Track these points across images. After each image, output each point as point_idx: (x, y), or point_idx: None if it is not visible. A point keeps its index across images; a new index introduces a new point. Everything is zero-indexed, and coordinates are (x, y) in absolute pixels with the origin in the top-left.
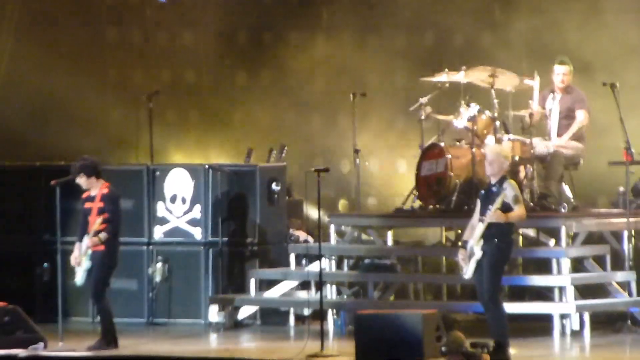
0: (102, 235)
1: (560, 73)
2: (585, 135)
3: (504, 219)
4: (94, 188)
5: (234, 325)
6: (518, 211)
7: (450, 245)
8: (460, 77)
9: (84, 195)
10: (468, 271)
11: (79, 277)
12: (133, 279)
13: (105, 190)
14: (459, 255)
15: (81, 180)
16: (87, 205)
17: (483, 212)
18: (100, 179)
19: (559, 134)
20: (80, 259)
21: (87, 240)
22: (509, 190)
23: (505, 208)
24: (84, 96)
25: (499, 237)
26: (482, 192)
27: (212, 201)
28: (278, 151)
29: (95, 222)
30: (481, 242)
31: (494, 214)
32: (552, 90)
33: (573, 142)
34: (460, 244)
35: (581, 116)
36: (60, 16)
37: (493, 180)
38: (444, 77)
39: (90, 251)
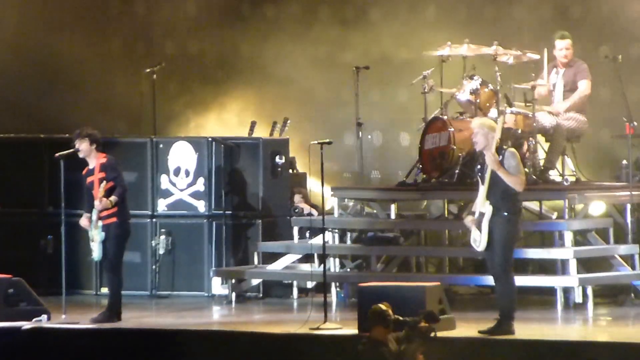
0: (113, 198)
1: (563, 47)
2: (587, 107)
3: (502, 172)
4: (92, 160)
5: (237, 298)
6: (517, 176)
7: (452, 218)
8: (463, 50)
9: (84, 171)
10: (481, 244)
11: (96, 252)
12: (136, 252)
13: (104, 160)
14: (467, 221)
15: (82, 145)
16: (89, 179)
17: (483, 178)
18: (99, 152)
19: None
20: (93, 233)
21: (95, 214)
22: (510, 160)
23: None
24: (87, 68)
25: (507, 209)
26: (478, 165)
27: (215, 174)
28: (282, 124)
29: (100, 188)
30: (487, 203)
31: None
32: (555, 65)
33: (575, 114)
34: (463, 212)
35: (583, 85)
36: None
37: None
38: (446, 50)
39: (101, 223)
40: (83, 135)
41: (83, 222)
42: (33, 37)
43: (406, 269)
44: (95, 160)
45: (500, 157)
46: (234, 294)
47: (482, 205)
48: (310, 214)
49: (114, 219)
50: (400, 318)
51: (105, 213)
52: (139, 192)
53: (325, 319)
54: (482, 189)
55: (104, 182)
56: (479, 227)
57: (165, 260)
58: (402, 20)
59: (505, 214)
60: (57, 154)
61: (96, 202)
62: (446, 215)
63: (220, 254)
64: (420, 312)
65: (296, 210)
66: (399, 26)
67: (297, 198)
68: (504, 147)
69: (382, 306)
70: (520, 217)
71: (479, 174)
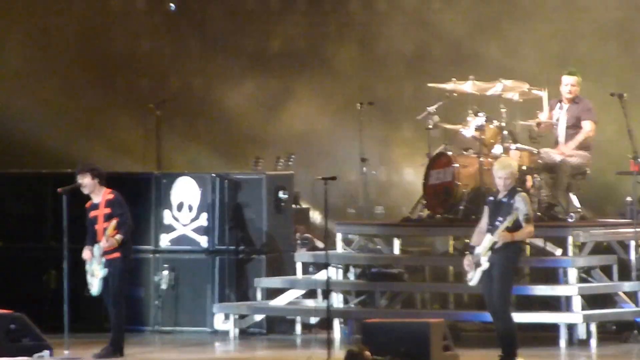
0: (118, 236)
1: (569, 84)
2: (592, 144)
3: (509, 238)
4: (96, 195)
5: (240, 334)
6: (526, 229)
7: (457, 254)
8: (468, 86)
9: (88, 204)
10: (474, 278)
11: (95, 287)
12: (139, 287)
13: (111, 196)
14: (465, 261)
15: (85, 180)
16: (93, 214)
17: (492, 222)
18: (103, 187)
19: (566, 144)
20: (93, 268)
21: (98, 249)
22: (522, 206)
23: (515, 226)
24: (91, 104)
25: (506, 247)
26: (491, 198)
27: (218, 209)
28: (285, 159)
29: (110, 226)
30: (489, 253)
31: (502, 234)
32: (560, 100)
33: (580, 151)
34: (467, 250)
35: (587, 126)
36: (67, 23)
37: (504, 191)
38: (451, 86)
39: (104, 259)
40: (85, 169)
41: (85, 254)
42: (35, 73)
43: (410, 305)
44: (100, 195)
45: (512, 200)
46: (237, 330)
47: (484, 254)
48: (316, 247)
49: (117, 254)
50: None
51: (109, 248)
52: (142, 227)
53: (329, 355)
54: (488, 239)
55: (114, 220)
56: (477, 265)
57: (168, 296)
58: (408, 55)
59: (504, 251)
60: (60, 189)
61: (102, 241)
62: (450, 252)
63: (223, 290)
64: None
65: (305, 241)
66: (404, 62)
67: (301, 229)
68: (518, 188)
69: (357, 348)
70: (520, 256)
71: (493, 211)
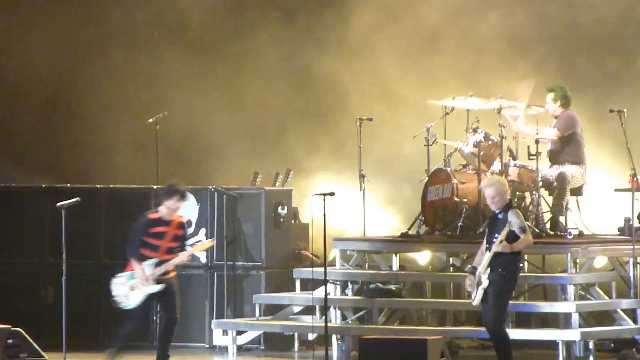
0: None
1: (547, 101)
2: (585, 158)
3: (509, 249)
4: (170, 214)
5: (238, 350)
6: (524, 239)
7: (455, 270)
8: (468, 103)
9: (153, 215)
10: (476, 298)
11: (134, 301)
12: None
13: (182, 219)
14: (467, 281)
15: (177, 205)
16: (160, 229)
17: (489, 240)
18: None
19: (552, 159)
20: (137, 283)
21: (159, 266)
22: (515, 219)
23: (511, 238)
24: (90, 118)
25: (504, 266)
26: (488, 219)
27: (217, 225)
28: (284, 175)
29: (202, 245)
30: (488, 270)
31: (499, 244)
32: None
33: (572, 165)
34: (469, 270)
35: (550, 133)
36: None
37: (497, 209)
38: (450, 102)
39: (160, 277)
40: (184, 195)
41: (143, 269)
42: (34, 86)
43: (408, 322)
44: (171, 215)
45: (505, 215)
46: (235, 346)
47: (483, 272)
48: (315, 263)
49: (175, 273)
50: None
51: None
52: None
53: None
54: (487, 256)
55: (208, 242)
56: (478, 285)
57: None
58: (408, 71)
59: (501, 270)
60: (58, 204)
61: (151, 261)
62: (449, 268)
63: (222, 305)
64: None
65: (301, 252)
66: (404, 77)
67: (300, 245)
68: (512, 204)
69: None
70: (517, 274)
71: (489, 230)
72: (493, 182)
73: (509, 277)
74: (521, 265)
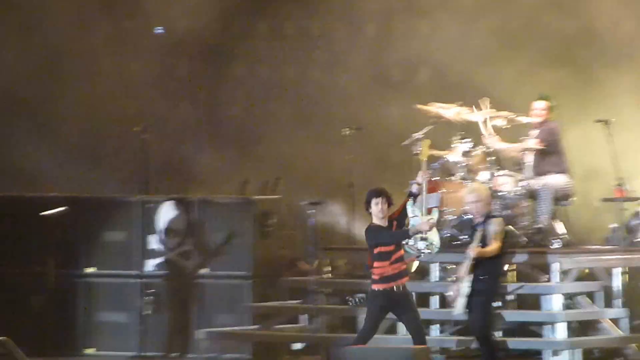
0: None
1: (537, 108)
2: (569, 167)
3: (480, 254)
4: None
5: None
6: (491, 246)
7: (441, 280)
8: (453, 111)
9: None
10: (457, 307)
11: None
12: (123, 312)
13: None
14: (450, 292)
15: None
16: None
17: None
18: None
19: (535, 169)
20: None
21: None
22: (491, 227)
23: (485, 244)
24: (76, 126)
25: (486, 274)
26: (470, 228)
27: (205, 234)
28: (273, 184)
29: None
30: (469, 278)
31: (473, 250)
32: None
33: (558, 175)
34: (453, 280)
35: (530, 142)
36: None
37: (480, 218)
38: (436, 108)
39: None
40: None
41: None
42: (23, 93)
43: (394, 331)
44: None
45: (486, 223)
46: (223, 356)
47: (463, 280)
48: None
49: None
50: None
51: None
52: (127, 252)
53: None
54: (465, 264)
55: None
56: (459, 293)
57: (153, 321)
58: (395, 81)
59: (483, 277)
60: (43, 213)
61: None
62: (435, 277)
63: (210, 315)
64: None
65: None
66: (391, 88)
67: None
68: (494, 215)
69: None
70: (500, 280)
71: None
72: (474, 189)
73: (491, 284)
74: (504, 271)
